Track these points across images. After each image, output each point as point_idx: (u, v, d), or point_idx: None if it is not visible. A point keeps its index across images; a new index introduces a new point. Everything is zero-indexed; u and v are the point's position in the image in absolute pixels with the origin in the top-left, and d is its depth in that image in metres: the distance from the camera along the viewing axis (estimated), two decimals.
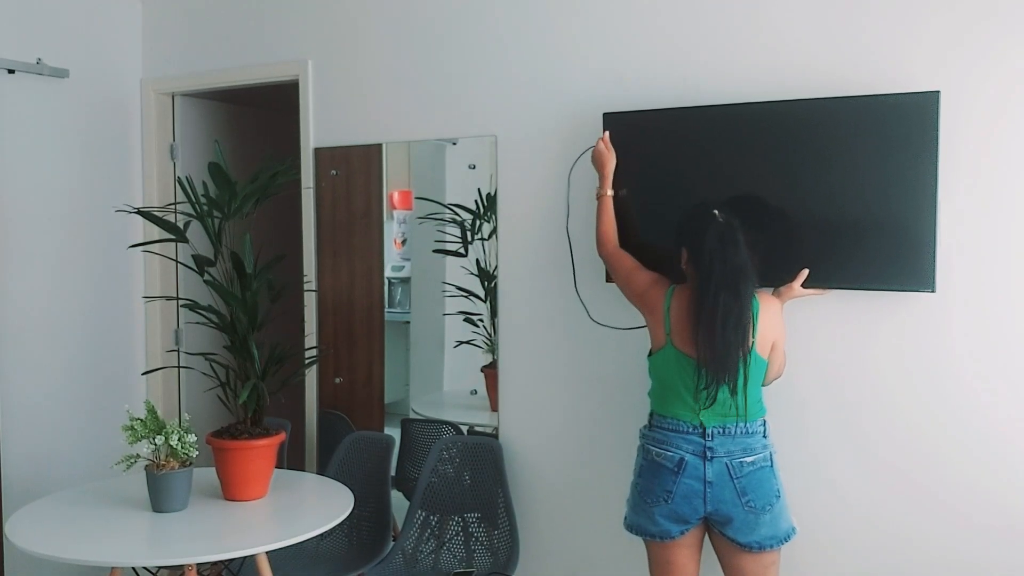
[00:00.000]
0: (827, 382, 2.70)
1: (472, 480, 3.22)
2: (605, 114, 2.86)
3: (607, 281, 2.87)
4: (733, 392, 2.37)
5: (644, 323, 2.62)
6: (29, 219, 3.54)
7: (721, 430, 2.40)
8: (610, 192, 2.75)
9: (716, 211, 2.43)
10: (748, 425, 2.42)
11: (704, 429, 2.41)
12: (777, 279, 2.59)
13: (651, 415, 2.55)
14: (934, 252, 2.45)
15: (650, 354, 2.57)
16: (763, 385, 2.50)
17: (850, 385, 2.67)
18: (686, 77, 2.84)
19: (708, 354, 2.37)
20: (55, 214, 3.63)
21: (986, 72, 2.46)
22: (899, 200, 2.47)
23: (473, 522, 3.20)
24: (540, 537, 3.16)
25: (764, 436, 2.45)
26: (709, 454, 2.39)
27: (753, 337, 2.40)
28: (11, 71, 3.42)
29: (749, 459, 2.40)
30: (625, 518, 2.57)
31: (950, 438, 2.56)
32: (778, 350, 2.50)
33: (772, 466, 2.44)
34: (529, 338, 3.18)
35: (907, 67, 2.53)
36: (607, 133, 2.80)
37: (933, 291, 2.48)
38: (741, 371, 2.36)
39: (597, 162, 2.78)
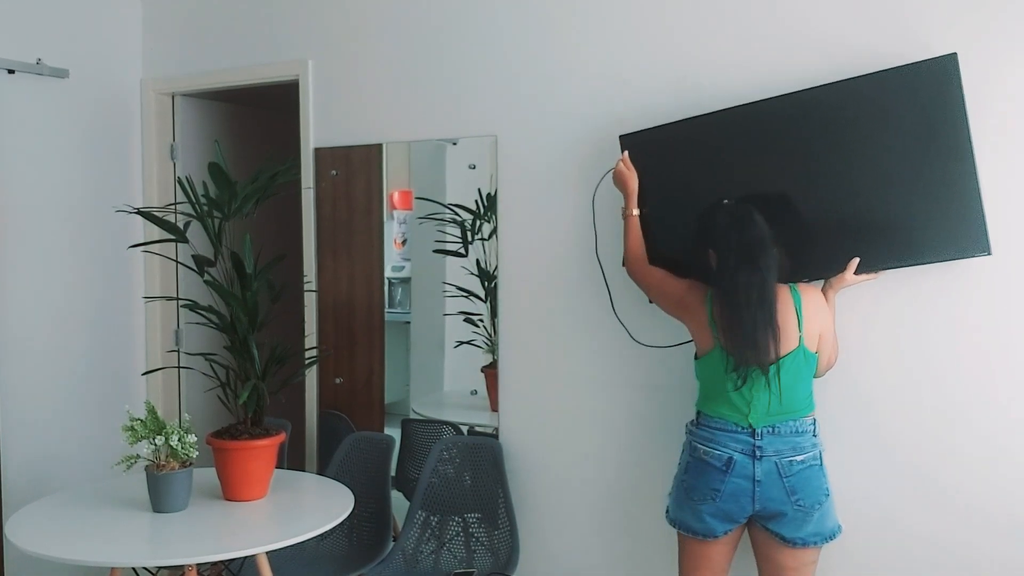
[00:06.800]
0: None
1: (472, 480, 3.22)
2: (621, 136, 2.81)
3: (650, 302, 2.80)
4: (765, 371, 2.33)
5: (687, 339, 2.59)
6: (29, 219, 3.53)
7: (770, 429, 2.39)
8: (636, 211, 2.73)
9: (725, 200, 2.41)
10: (797, 424, 2.40)
11: (753, 429, 2.39)
12: (827, 272, 2.54)
13: (698, 413, 2.53)
14: (983, 213, 2.36)
15: (696, 357, 2.56)
16: (816, 377, 2.49)
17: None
18: (690, 77, 2.82)
19: (737, 334, 2.35)
20: (55, 214, 3.63)
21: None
22: (936, 168, 2.39)
23: (473, 522, 3.19)
24: (540, 537, 3.16)
25: (814, 435, 2.43)
26: (758, 453, 2.38)
27: (800, 330, 2.39)
28: (11, 71, 3.42)
29: (799, 458, 2.38)
30: (667, 511, 2.56)
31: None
32: (826, 341, 2.47)
33: (821, 465, 2.42)
34: (529, 338, 3.18)
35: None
36: (626, 153, 2.76)
37: (989, 253, 2.38)
38: (772, 350, 2.32)
39: (619, 183, 2.76)
